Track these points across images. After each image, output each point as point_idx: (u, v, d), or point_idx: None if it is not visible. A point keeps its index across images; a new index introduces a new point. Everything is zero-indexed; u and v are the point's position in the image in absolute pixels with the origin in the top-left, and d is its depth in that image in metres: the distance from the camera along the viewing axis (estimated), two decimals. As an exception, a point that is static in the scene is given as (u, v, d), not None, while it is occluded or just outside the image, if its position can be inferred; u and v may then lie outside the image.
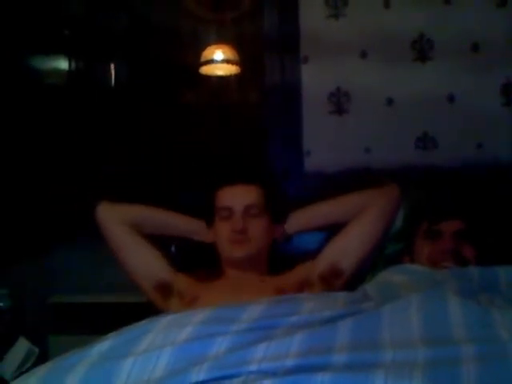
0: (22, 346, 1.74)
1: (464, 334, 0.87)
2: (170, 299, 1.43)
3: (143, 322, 1.00)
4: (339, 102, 1.97)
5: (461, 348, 0.82)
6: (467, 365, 0.78)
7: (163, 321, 0.98)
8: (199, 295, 1.35)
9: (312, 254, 1.51)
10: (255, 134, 2.07)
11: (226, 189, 1.51)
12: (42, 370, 0.87)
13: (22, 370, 1.68)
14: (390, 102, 1.92)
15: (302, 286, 1.40)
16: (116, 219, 1.50)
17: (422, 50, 1.91)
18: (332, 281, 1.43)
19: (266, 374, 0.79)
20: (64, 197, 2.05)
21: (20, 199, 2.02)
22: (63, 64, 2.12)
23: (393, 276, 1.33)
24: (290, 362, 0.80)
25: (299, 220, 1.56)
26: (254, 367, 0.80)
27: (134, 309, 1.75)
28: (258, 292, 1.30)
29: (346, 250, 1.45)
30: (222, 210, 1.49)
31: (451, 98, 1.88)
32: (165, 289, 1.45)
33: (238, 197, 1.49)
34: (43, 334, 1.96)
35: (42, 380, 0.85)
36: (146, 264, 1.48)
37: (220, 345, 0.87)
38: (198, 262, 1.62)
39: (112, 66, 2.11)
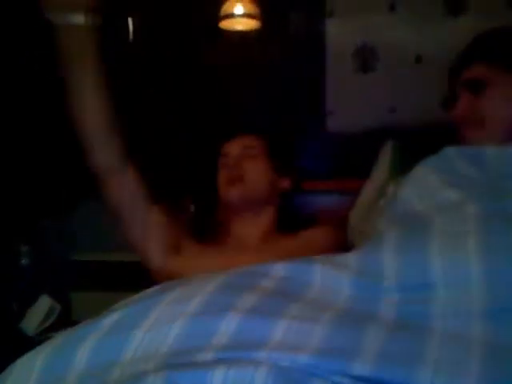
0: (43, 303, 1.78)
1: None
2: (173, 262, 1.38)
3: (152, 290, 0.98)
4: (365, 58, 1.89)
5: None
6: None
7: (173, 291, 0.96)
8: (198, 257, 1.35)
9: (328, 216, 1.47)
10: (276, 91, 2.00)
11: (228, 141, 1.53)
12: (52, 344, 0.87)
13: (44, 327, 1.73)
14: (418, 59, 1.83)
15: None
16: None
17: (455, 2, 1.80)
18: None
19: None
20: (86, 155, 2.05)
21: (43, 157, 2.02)
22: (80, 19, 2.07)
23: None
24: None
25: None
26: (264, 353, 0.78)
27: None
28: (257, 254, 1.28)
29: None
30: (221, 158, 1.51)
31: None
32: (170, 251, 1.41)
33: (236, 142, 1.50)
34: (65, 291, 2.00)
35: (53, 353, 0.85)
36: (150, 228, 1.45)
37: (229, 323, 0.85)
38: (215, 223, 1.60)
39: (130, 21, 2.05)
